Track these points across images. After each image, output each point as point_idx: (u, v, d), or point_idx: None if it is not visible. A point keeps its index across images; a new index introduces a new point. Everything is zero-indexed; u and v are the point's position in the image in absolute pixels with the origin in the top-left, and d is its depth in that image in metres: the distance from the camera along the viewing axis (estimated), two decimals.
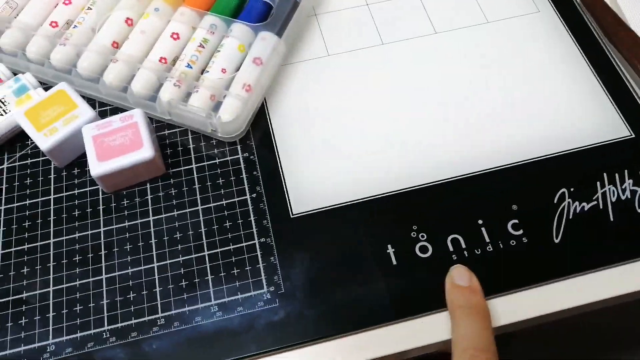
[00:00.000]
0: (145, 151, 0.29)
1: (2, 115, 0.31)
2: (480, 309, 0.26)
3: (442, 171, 0.31)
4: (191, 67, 0.33)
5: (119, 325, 0.27)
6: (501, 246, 0.28)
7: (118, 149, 0.30)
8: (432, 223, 0.29)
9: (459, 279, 0.27)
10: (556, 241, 0.29)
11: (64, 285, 0.28)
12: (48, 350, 0.27)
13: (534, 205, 0.30)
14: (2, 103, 0.32)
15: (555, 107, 0.33)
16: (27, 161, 0.32)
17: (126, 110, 0.31)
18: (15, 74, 0.34)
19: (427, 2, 0.38)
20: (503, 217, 0.29)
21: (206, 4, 0.35)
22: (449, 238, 0.29)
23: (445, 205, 0.30)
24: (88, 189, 0.31)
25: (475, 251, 0.28)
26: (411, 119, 0.33)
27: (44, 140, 0.30)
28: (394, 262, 0.28)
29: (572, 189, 0.30)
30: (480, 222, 0.29)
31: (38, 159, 0.32)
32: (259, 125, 0.33)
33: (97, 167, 0.29)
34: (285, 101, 0.34)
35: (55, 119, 0.31)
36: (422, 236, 0.29)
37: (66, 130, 0.30)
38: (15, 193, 0.31)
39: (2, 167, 0.32)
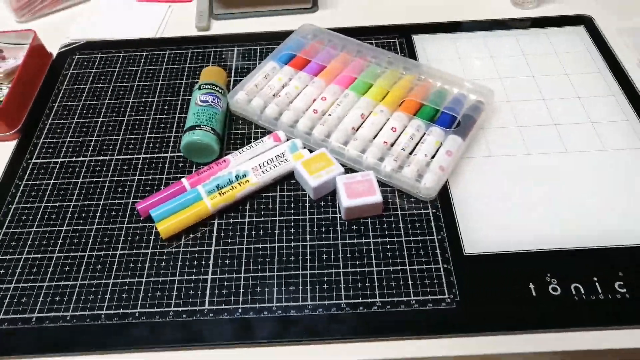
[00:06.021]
0: (377, 197, 0.47)
1: (284, 163, 0.50)
2: None
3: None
4: (404, 150, 0.50)
5: (351, 301, 0.43)
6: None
7: (360, 192, 0.47)
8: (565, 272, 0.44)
9: None
10: None
11: (316, 271, 0.45)
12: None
13: None
14: (282, 155, 0.51)
15: None
16: (291, 193, 0.51)
17: (358, 171, 0.50)
18: (288, 139, 0.53)
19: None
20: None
21: (413, 111, 0.54)
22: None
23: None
24: (330, 215, 0.49)
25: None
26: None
27: (314, 180, 0.48)
28: (534, 294, 0.43)
29: None
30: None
31: (298, 192, 0.50)
32: (443, 192, 0.50)
33: (347, 202, 0.46)
34: (461, 179, 0.51)
35: (319, 170, 0.49)
36: (554, 280, 0.43)
37: (327, 177, 0.48)
38: (285, 210, 0.49)
39: (275, 194, 0.50)
